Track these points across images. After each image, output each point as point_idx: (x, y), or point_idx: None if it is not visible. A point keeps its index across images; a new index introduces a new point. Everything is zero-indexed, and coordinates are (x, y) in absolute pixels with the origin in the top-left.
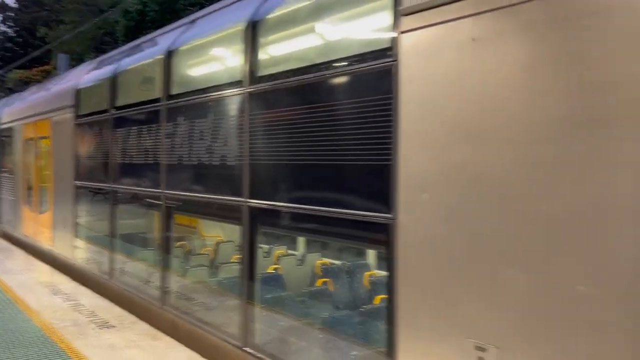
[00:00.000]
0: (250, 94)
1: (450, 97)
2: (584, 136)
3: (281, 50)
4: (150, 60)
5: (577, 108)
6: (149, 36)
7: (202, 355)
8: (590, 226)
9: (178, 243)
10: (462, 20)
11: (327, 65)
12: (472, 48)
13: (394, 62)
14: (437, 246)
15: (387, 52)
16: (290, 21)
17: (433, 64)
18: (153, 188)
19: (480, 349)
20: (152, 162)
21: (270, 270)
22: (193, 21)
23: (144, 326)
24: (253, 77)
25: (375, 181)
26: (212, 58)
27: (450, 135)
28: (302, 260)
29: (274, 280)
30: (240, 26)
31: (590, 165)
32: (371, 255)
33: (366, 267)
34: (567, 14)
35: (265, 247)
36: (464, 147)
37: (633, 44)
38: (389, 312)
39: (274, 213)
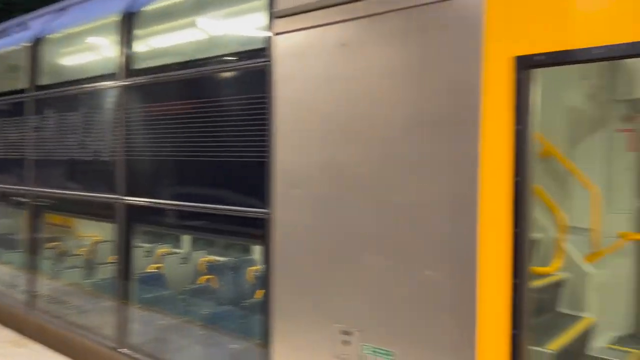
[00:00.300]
0: (125, 87)
1: (321, 98)
2: (434, 136)
3: (158, 44)
4: (16, 47)
5: (428, 111)
6: (16, 20)
7: (74, 359)
8: (436, 216)
9: (50, 244)
10: (332, 26)
11: (205, 61)
12: (341, 53)
13: (268, 63)
14: (308, 239)
15: (262, 52)
16: (168, 15)
17: (305, 66)
18: (18, 185)
19: (346, 333)
20: (17, 157)
21: (151, 269)
22: (65, 8)
23: (7, 333)
24: (129, 70)
25: (253, 177)
26: (85, 48)
27: (321, 134)
28: (187, 259)
29: (155, 280)
30: (116, 17)
31: (437, 162)
32: (257, 250)
33: (251, 262)
34: (420, 25)
35: (148, 245)
36: (333, 145)
37: (462, 56)
38: (265, 305)
39: (152, 210)
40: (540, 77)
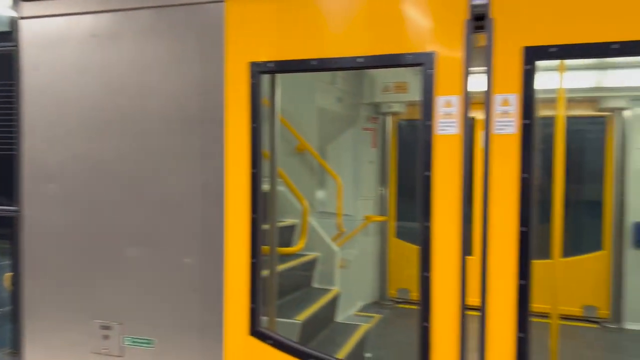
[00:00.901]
0: None
1: (72, 88)
2: (186, 131)
3: None
4: None
5: (180, 107)
6: None
7: None
8: (190, 206)
9: None
10: (83, 16)
11: None
12: (92, 43)
13: (15, 48)
14: (63, 235)
15: (8, 36)
16: None
17: (55, 54)
18: None
19: (106, 327)
20: None
21: None
22: None
23: None
24: None
25: (1, 173)
26: None
27: (74, 126)
28: None
29: None
30: None
31: (190, 156)
32: None
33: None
34: (170, 24)
35: None
36: (87, 138)
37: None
38: (15, 310)
39: None
40: (295, 82)
